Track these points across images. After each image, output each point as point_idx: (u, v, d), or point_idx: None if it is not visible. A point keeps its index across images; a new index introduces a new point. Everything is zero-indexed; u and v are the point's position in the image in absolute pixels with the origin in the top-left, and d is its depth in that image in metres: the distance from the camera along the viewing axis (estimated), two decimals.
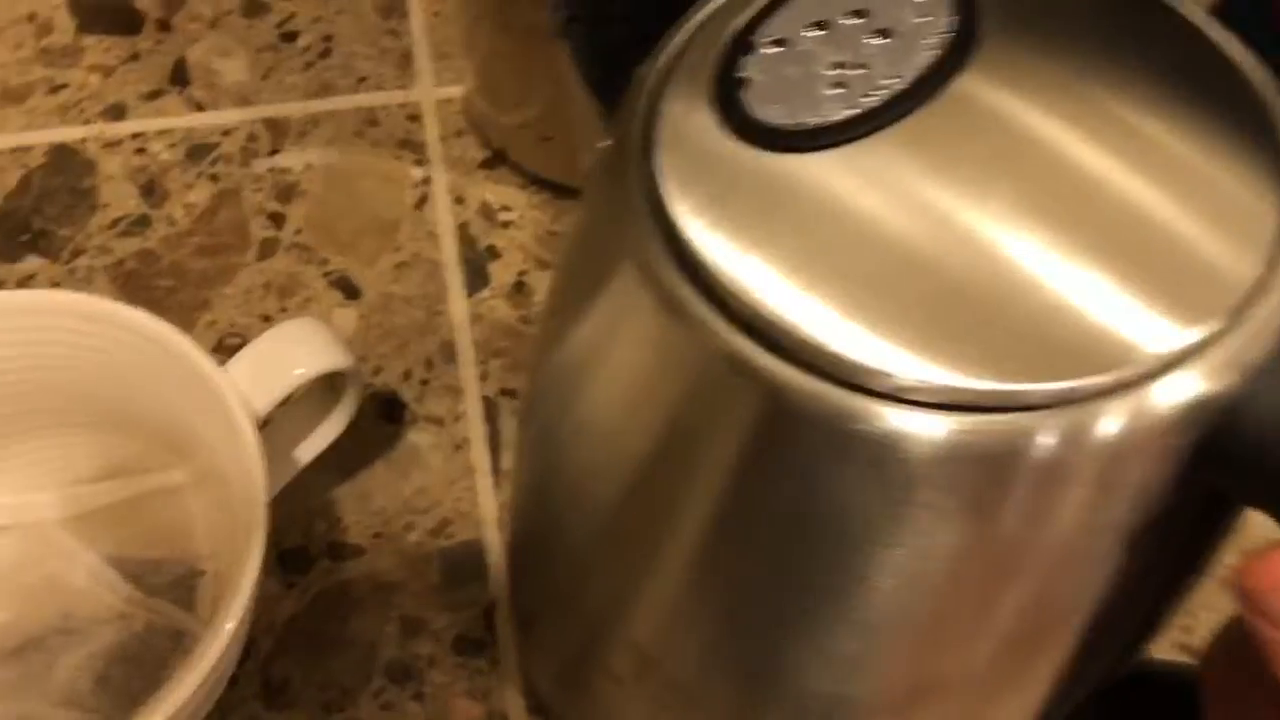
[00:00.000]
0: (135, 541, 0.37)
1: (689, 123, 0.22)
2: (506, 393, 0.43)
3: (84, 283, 0.44)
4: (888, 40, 0.22)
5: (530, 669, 0.37)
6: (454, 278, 0.45)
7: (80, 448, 0.37)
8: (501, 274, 0.45)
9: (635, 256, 0.22)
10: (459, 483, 0.41)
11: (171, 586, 0.37)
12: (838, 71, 0.22)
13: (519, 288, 0.45)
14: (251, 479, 0.31)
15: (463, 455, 0.41)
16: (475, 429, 0.42)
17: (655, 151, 0.22)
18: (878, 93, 0.22)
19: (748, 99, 0.22)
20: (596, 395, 0.26)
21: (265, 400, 0.32)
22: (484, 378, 0.43)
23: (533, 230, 0.46)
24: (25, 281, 0.44)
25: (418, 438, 0.41)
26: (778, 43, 0.23)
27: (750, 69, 0.22)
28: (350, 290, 0.44)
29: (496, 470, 0.41)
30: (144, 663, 0.35)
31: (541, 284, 0.45)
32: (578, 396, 0.26)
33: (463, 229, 0.46)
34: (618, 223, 0.23)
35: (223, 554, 0.36)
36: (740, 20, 0.23)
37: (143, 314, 0.33)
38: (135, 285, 0.44)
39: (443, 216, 0.46)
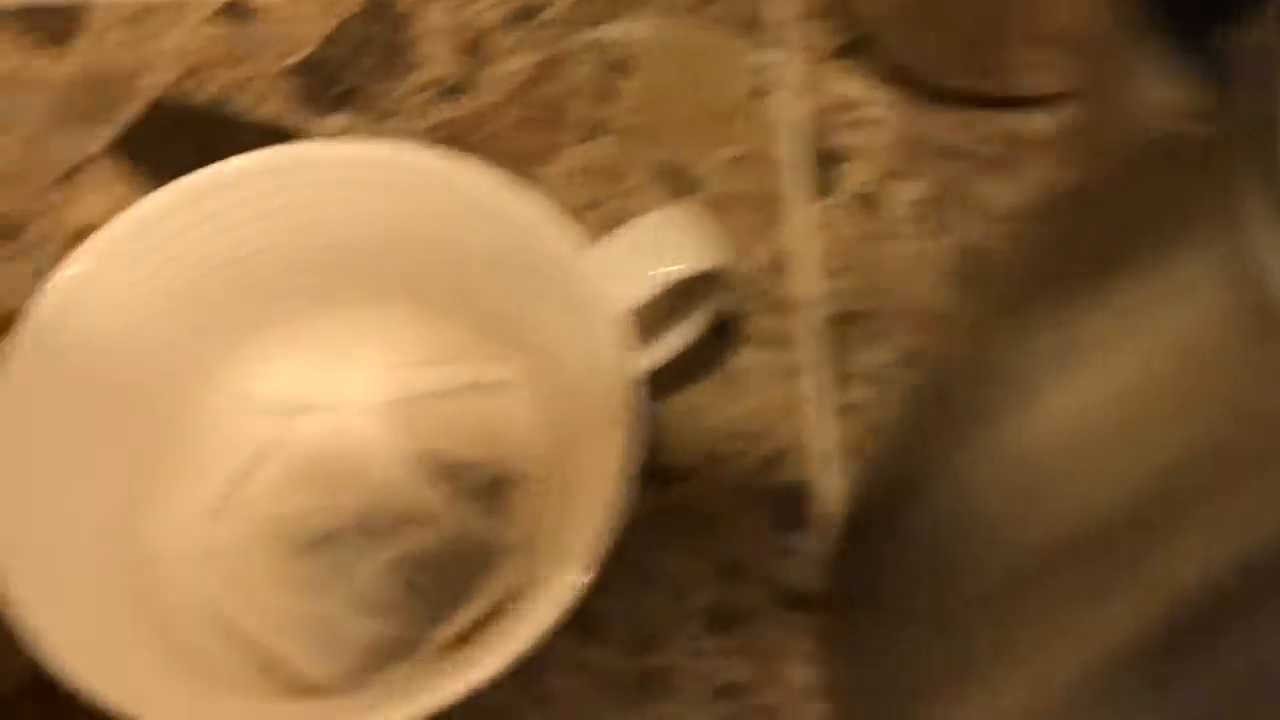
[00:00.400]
0: (448, 437, 0.33)
1: None
2: (848, 318, 0.37)
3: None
4: None
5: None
6: (796, 180, 0.39)
7: (399, 328, 0.33)
8: (850, 180, 0.39)
9: (1233, 269, 0.16)
10: (792, 414, 0.36)
11: (481, 492, 0.33)
12: None
13: (868, 199, 0.39)
14: (609, 389, 0.27)
15: (797, 383, 0.36)
16: (811, 355, 0.37)
17: None
18: None
19: None
20: (1101, 417, 0.20)
21: (629, 298, 0.28)
22: (824, 298, 0.38)
23: (891, 133, 0.40)
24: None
25: (748, 358, 0.37)
26: None
27: None
28: (678, 184, 0.39)
29: (835, 405, 0.36)
30: (452, 575, 0.32)
31: (895, 197, 0.39)
32: (1061, 414, 0.20)
33: (809, 125, 0.40)
34: (1201, 224, 0.17)
35: (543, 463, 0.33)
36: None
37: (494, 174, 0.28)
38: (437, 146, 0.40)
39: (787, 108, 0.41)
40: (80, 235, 0.38)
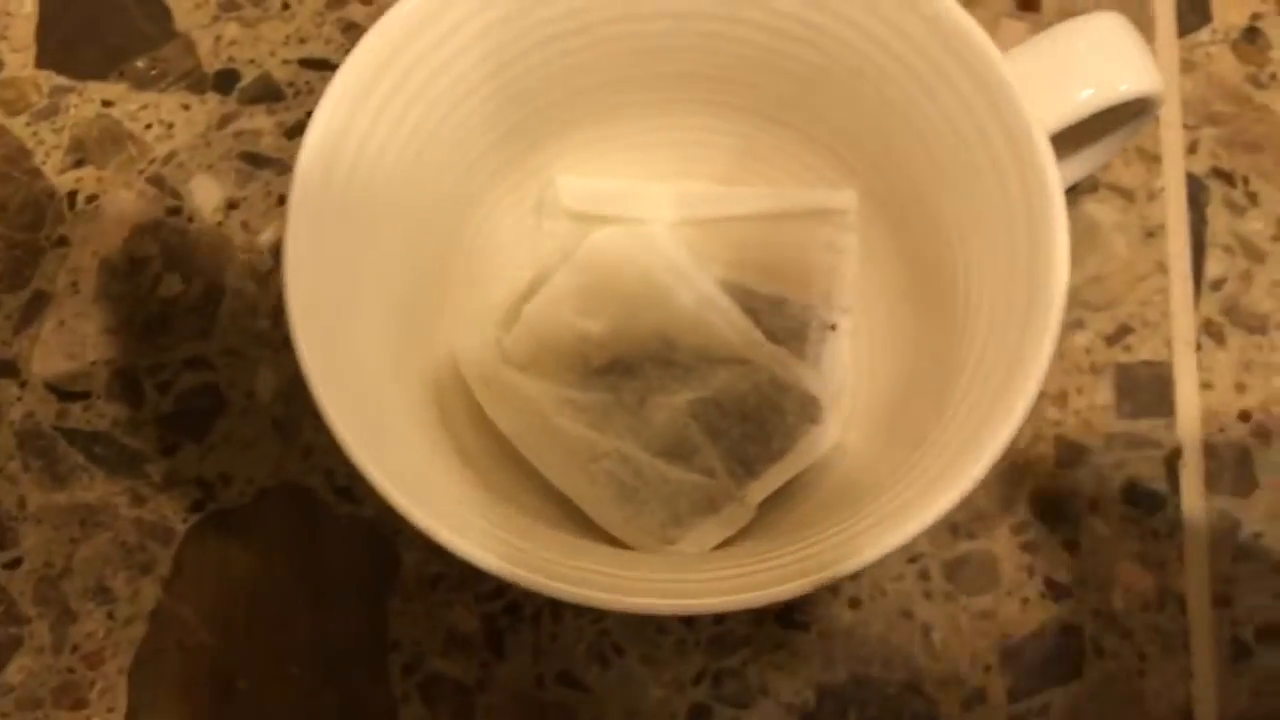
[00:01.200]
0: (761, 269, 0.29)
1: None
2: (1221, 174, 0.32)
3: None
4: None
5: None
6: (1163, 6, 0.33)
7: (720, 139, 0.28)
8: (1228, 11, 0.33)
9: None
10: (1148, 280, 0.31)
11: (791, 335, 0.29)
12: None
13: (1251, 35, 0.33)
14: (1025, 228, 0.22)
15: (1156, 245, 0.31)
16: (1175, 215, 0.31)
17: None
18: None
19: None
20: None
21: (1052, 119, 0.23)
22: (1192, 149, 0.32)
23: None
24: None
25: (1098, 211, 0.31)
26: None
27: None
28: None
29: (1199, 277, 0.31)
30: (763, 424, 0.28)
31: None
32: None
33: None
34: None
35: (875, 310, 0.28)
36: None
37: None
38: None
39: None
40: None
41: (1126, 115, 0.24)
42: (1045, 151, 0.22)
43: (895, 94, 0.25)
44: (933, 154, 0.24)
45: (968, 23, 0.23)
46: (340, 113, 0.23)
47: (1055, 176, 0.22)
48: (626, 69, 0.27)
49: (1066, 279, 0.22)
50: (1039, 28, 0.33)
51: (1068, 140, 0.25)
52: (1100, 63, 0.23)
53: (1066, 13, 0.33)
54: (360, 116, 0.24)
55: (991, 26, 0.33)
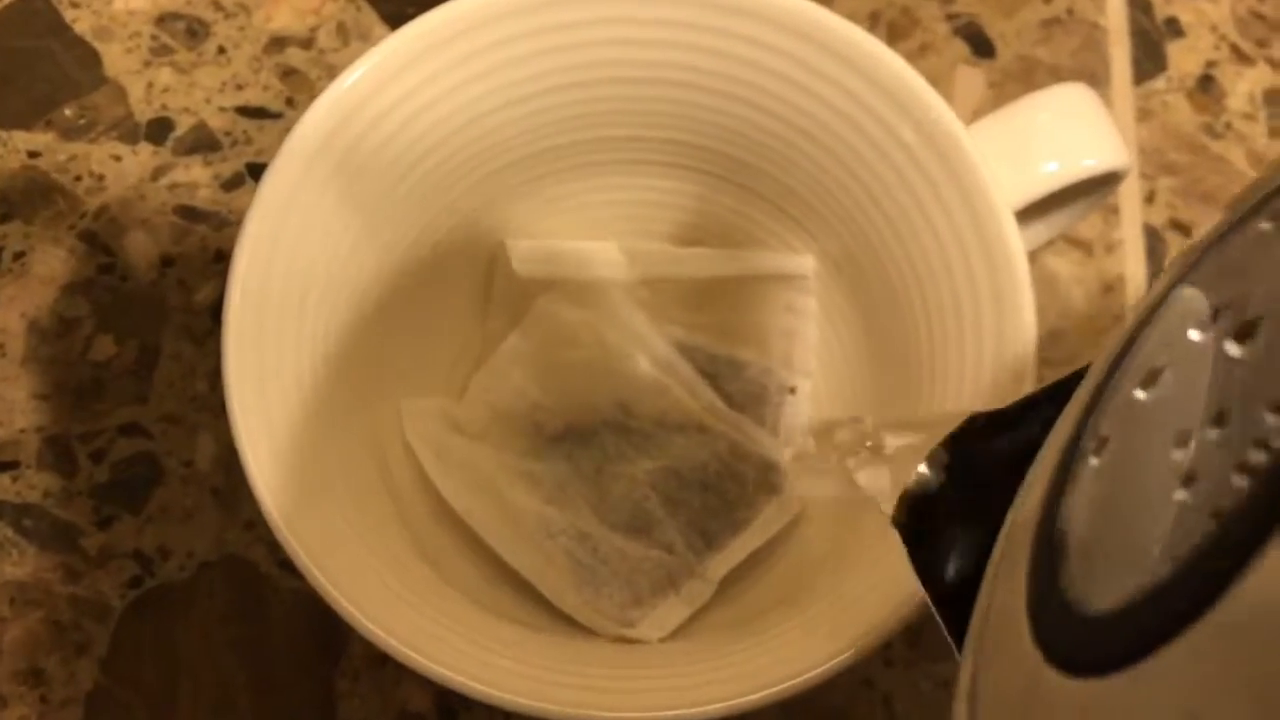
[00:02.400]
0: (718, 331, 0.28)
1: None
2: (1178, 225, 0.32)
3: None
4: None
5: None
6: (1118, 54, 0.33)
7: (683, 198, 0.28)
8: (1183, 59, 0.33)
9: None
10: (1106, 335, 0.31)
11: (751, 399, 0.28)
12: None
13: (1205, 83, 0.33)
14: (989, 296, 0.22)
15: (1114, 298, 0.31)
16: (1133, 267, 0.31)
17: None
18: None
19: (1068, 574, 0.13)
20: None
21: (1017, 192, 0.22)
22: (1149, 199, 0.32)
23: (1231, 5, 0.34)
24: None
25: (1057, 263, 0.31)
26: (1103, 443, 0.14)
27: (1071, 510, 0.14)
28: (980, 44, 0.33)
29: None
30: (726, 497, 0.27)
31: (1236, 82, 0.33)
32: None
33: None
34: None
35: (837, 373, 0.28)
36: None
37: (862, 34, 0.23)
38: None
39: None
40: (277, 43, 0.33)
41: (1091, 185, 0.24)
42: (1010, 229, 0.22)
43: (856, 164, 0.24)
44: (894, 224, 0.24)
45: (931, 96, 0.22)
46: (284, 184, 0.22)
47: (1021, 254, 0.22)
48: (580, 133, 0.26)
49: (1035, 355, 0.21)
50: (995, 74, 0.33)
51: (1030, 207, 0.25)
52: (1065, 137, 0.23)
53: (1023, 58, 0.33)
54: (307, 184, 0.23)
55: (948, 74, 0.33)
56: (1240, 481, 0.12)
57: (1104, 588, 0.13)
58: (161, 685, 0.28)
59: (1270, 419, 0.12)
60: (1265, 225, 0.14)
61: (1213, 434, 0.13)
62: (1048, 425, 0.16)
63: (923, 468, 0.18)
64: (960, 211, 0.22)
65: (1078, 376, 0.16)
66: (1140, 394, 0.14)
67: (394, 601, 0.21)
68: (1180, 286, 0.15)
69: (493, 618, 0.22)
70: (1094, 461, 0.14)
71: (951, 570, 0.17)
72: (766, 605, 0.25)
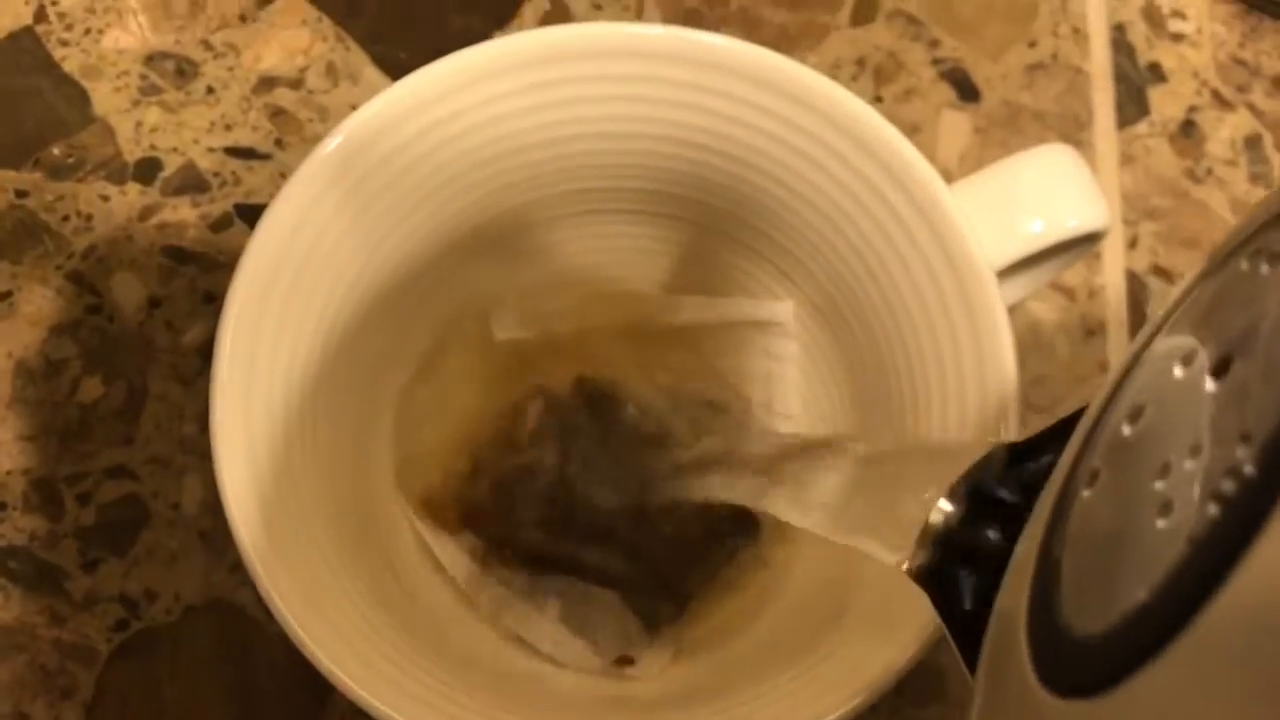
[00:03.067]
0: (701, 376, 0.28)
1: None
2: (1160, 271, 0.32)
3: (628, 12, 0.34)
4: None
5: None
6: (1102, 99, 0.33)
7: (665, 244, 0.28)
8: (1166, 104, 0.33)
9: None
10: (1089, 381, 0.31)
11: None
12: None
13: (1187, 128, 0.33)
14: (970, 352, 0.22)
15: (1097, 345, 0.31)
16: (1115, 312, 0.31)
17: None
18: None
19: (1061, 601, 0.14)
20: None
21: (999, 253, 0.23)
22: (1132, 244, 0.32)
23: (1213, 51, 0.34)
24: (555, 10, 0.34)
25: (1040, 309, 0.31)
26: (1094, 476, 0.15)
27: (1065, 540, 0.15)
28: (966, 89, 0.33)
29: None
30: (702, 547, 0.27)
31: (1217, 128, 0.33)
32: None
33: (1119, 33, 0.34)
34: None
35: (821, 417, 0.28)
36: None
37: (845, 94, 0.23)
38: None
39: (1095, 12, 0.34)
40: (266, 83, 0.33)
41: (1074, 243, 0.24)
42: (992, 289, 0.22)
43: (839, 219, 0.24)
44: (876, 276, 0.24)
45: (913, 154, 0.23)
46: (268, 253, 0.23)
47: (1003, 314, 0.22)
48: (559, 185, 0.26)
49: (1017, 403, 0.22)
50: (980, 118, 0.33)
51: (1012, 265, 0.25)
52: (1049, 198, 0.23)
53: (1008, 103, 0.33)
54: (293, 246, 0.23)
55: (934, 118, 0.33)
56: (1213, 510, 0.12)
57: (1092, 613, 0.13)
58: None
59: (1240, 450, 0.12)
60: (1243, 265, 0.14)
61: (1189, 464, 0.13)
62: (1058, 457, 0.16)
63: (944, 502, 0.18)
64: (943, 270, 0.22)
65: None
66: (1127, 429, 0.15)
67: (378, 661, 0.21)
68: (1167, 325, 0.15)
69: (473, 669, 0.23)
70: (1085, 493, 0.15)
71: (969, 601, 0.18)
72: (753, 653, 0.25)
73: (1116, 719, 0.12)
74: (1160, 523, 0.13)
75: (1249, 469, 0.12)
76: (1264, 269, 0.14)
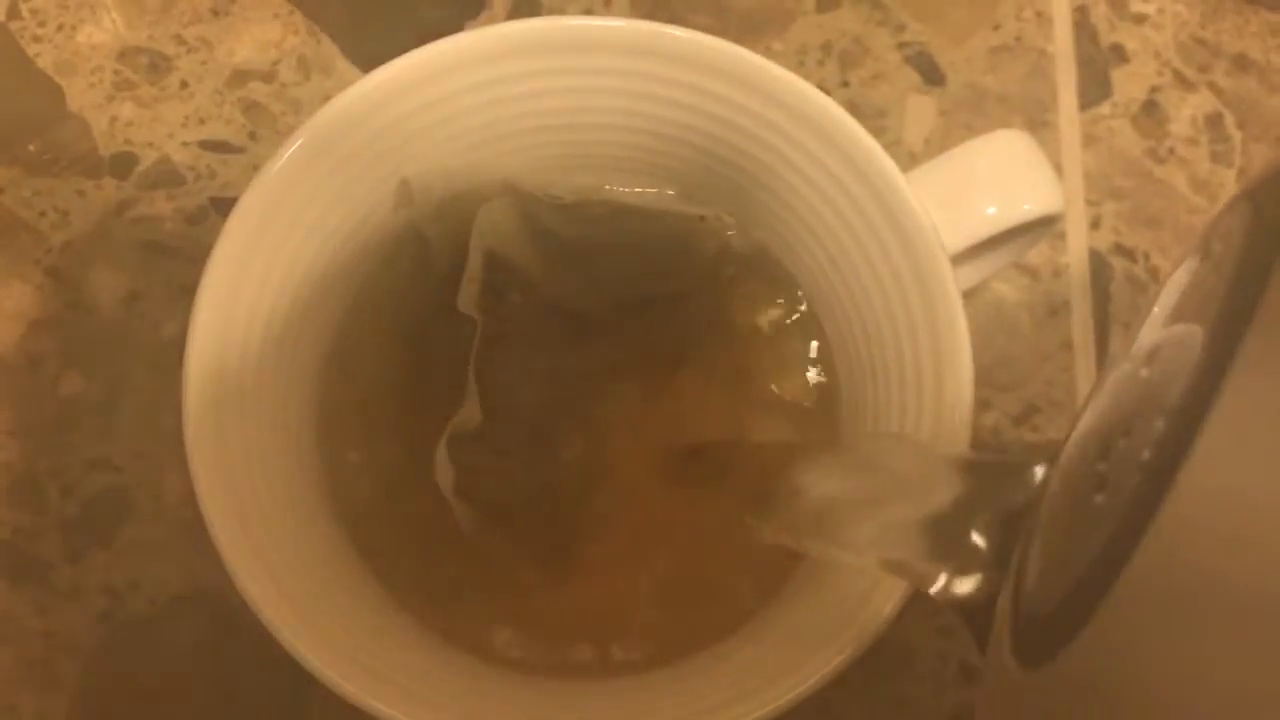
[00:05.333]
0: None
1: None
2: (1123, 250, 0.32)
3: (598, 3, 0.34)
4: None
5: None
6: (1065, 80, 0.34)
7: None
8: (1128, 85, 0.34)
9: None
10: (1053, 359, 0.31)
11: None
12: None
13: (1149, 108, 0.34)
14: (943, 341, 0.23)
15: (1060, 323, 0.32)
16: (1079, 291, 0.32)
17: None
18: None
19: (1030, 586, 0.16)
20: None
21: (959, 237, 0.23)
22: (1095, 224, 0.33)
23: (1174, 32, 0.34)
24: (524, 2, 0.34)
25: (1003, 289, 0.32)
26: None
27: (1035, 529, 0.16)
28: (930, 72, 0.34)
29: (1102, 355, 0.32)
30: None
31: (1179, 107, 0.34)
32: None
33: (1081, 15, 0.34)
34: None
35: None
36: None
37: (805, 84, 0.23)
38: (660, 19, 0.34)
39: None
40: (239, 76, 0.33)
41: (1029, 227, 0.25)
42: (947, 275, 0.23)
43: (800, 207, 0.25)
44: (836, 263, 0.24)
45: (869, 142, 0.23)
46: (246, 224, 0.23)
47: (956, 296, 0.23)
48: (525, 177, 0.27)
49: (972, 405, 0.22)
50: (946, 101, 0.33)
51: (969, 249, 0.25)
52: (1002, 183, 0.24)
53: (972, 86, 0.34)
54: (272, 221, 0.23)
55: (900, 102, 0.33)
56: (1135, 479, 0.13)
57: (1050, 591, 0.15)
58: (134, 719, 0.29)
59: (1159, 423, 0.13)
60: (1192, 263, 0.15)
61: (1123, 443, 0.14)
62: None
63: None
64: (900, 256, 0.23)
65: None
66: (1089, 419, 0.16)
67: (354, 650, 0.22)
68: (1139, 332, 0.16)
69: (451, 658, 0.23)
70: (1055, 486, 0.16)
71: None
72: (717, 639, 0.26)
73: (1061, 682, 0.14)
74: (1098, 498, 0.14)
75: (1160, 433, 0.13)
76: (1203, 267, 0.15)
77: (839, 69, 0.34)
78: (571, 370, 0.27)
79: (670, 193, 0.27)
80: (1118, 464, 0.14)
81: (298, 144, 0.23)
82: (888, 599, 0.21)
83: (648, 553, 0.27)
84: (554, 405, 0.27)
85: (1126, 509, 0.13)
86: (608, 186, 0.27)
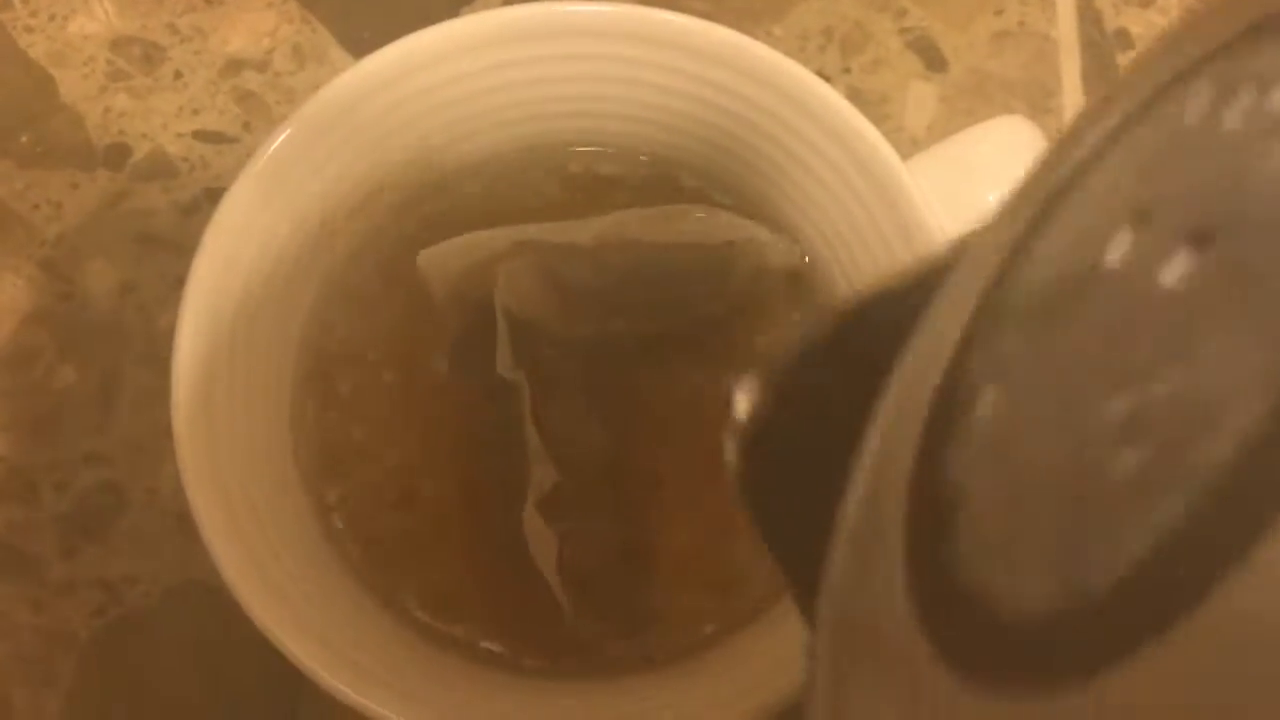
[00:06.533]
0: None
1: None
2: None
3: None
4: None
5: None
6: (1069, 65, 0.34)
7: None
8: None
9: None
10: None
11: None
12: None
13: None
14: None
15: None
16: None
17: None
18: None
19: (961, 554, 0.10)
20: None
21: (956, 226, 0.23)
22: None
23: (1180, 16, 0.34)
24: None
25: None
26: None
27: (960, 467, 0.10)
28: (933, 58, 0.33)
29: None
30: None
31: None
32: None
33: (1085, 0, 0.34)
34: None
35: None
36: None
37: (803, 70, 0.23)
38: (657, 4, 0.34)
39: None
40: (233, 66, 0.33)
41: None
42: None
43: (796, 195, 0.24)
44: (834, 250, 0.24)
45: (870, 131, 0.23)
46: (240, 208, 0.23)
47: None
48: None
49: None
50: (948, 88, 0.33)
51: None
52: (1004, 170, 0.23)
53: (975, 71, 0.33)
54: (267, 208, 0.23)
55: (901, 88, 0.33)
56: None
57: (1020, 585, 0.09)
58: (129, 713, 0.28)
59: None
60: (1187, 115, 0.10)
61: (1162, 388, 0.09)
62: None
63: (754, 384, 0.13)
64: (898, 244, 0.23)
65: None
66: (1046, 326, 0.10)
67: (347, 648, 0.22)
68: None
69: (443, 656, 0.23)
70: (984, 410, 0.10)
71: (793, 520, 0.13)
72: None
73: None
74: (1128, 456, 0.09)
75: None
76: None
77: (840, 55, 0.33)
78: (622, 409, 0.26)
79: (699, 215, 0.26)
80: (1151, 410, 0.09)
81: (286, 133, 0.23)
82: None
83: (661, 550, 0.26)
84: (619, 443, 0.26)
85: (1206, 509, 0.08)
86: (618, 213, 0.26)
